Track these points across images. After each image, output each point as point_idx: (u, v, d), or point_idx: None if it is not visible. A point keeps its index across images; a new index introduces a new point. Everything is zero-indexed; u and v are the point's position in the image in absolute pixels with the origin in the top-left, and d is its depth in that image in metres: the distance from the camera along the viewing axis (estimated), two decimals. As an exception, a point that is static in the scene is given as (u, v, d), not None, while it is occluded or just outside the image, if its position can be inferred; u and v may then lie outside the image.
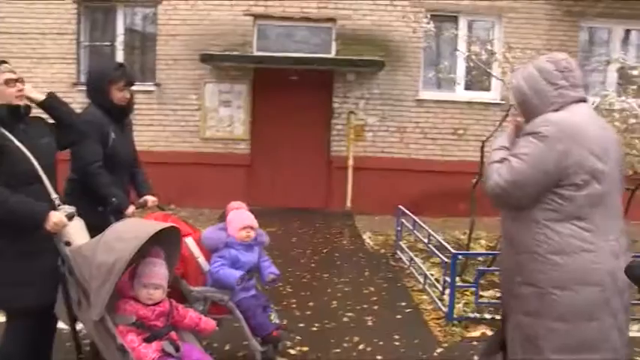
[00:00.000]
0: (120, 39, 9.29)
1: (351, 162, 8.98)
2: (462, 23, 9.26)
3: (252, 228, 3.53)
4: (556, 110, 2.34)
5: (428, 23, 5.84)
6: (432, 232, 5.45)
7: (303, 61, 8.71)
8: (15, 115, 2.79)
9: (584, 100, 2.43)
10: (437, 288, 4.91)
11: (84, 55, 9.32)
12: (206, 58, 8.65)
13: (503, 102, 9.17)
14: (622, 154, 2.53)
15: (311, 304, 4.80)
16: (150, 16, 9.38)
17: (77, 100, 8.79)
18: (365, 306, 4.78)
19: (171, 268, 2.95)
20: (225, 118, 9.20)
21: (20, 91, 2.80)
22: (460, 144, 9.28)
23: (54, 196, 2.80)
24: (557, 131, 2.26)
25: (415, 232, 6.05)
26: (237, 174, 9.14)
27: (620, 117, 4.48)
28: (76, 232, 2.85)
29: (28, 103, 2.88)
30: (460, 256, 4.97)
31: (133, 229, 2.70)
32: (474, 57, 5.94)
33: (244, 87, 9.17)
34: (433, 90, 9.38)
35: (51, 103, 3.03)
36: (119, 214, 3.40)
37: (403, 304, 4.84)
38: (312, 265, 6.10)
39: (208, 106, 9.19)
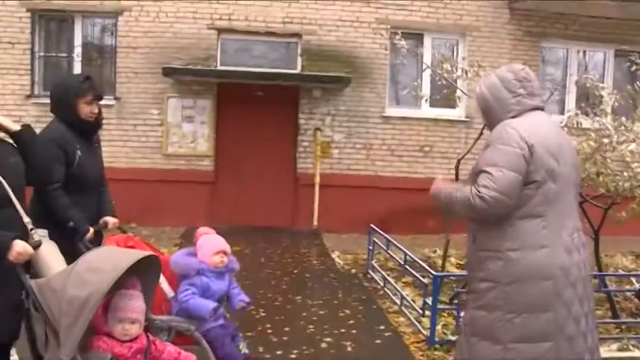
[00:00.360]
0: (77, 50, 8.91)
1: (317, 179, 8.83)
2: (427, 41, 9.33)
3: (225, 253, 3.34)
4: (514, 117, 2.48)
5: (400, 39, 5.79)
6: (408, 252, 5.34)
7: (270, 76, 8.57)
8: None
9: (540, 108, 2.58)
10: (415, 310, 4.79)
11: (39, 67, 8.89)
12: (169, 72, 8.39)
13: (468, 119, 9.29)
14: (578, 160, 2.76)
15: (287, 329, 4.60)
16: (109, 28, 9.04)
17: (31, 114, 8.44)
18: (343, 330, 4.61)
19: (148, 301, 2.72)
20: (188, 133, 8.92)
21: None
22: (426, 161, 9.29)
23: (26, 219, 2.54)
24: (518, 135, 2.39)
25: (389, 251, 5.94)
26: (201, 191, 8.86)
27: (597, 136, 4.49)
28: (48, 257, 2.60)
29: None
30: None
31: (109, 258, 2.46)
32: (445, 75, 5.91)
33: (208, 102, 8.93)
34: (399, 107, 9.39)
35: (26, 137, 2.74)
36: (83, 239, 3.14)
37: (381, 327, 4.68)
38: (284, 286, 5.89)
39: (171, 121, 8.89)
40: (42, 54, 8.96)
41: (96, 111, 3.38)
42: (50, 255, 2.60)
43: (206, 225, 8.62)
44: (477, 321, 2.48)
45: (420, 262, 5.06)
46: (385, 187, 9.05)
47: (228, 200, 8.98)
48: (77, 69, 8.85)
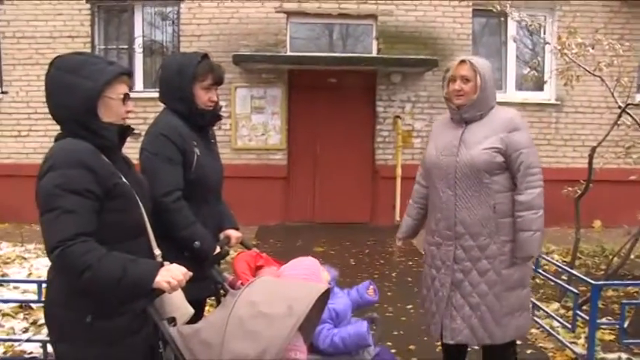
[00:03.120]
0: (138, 41, 8.45)
1: (399, 171, 8.15)
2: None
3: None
4: (493, 106, 2.79)
5: (516, 11, 5.04)
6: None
7: (347, 60, 7.90)
8: (120, 141, 2.00)
9: None
10: (566, 327, 4.07)
11: (99, 60, 8.45)
12: (238, 60, 7.82)
13: (558, 102, 8.48)
14: None
15: (412, 347, 3.99)
16: (171, 16, 8.55)
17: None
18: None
19: (307, 337, 2.14)
20: (258, 125, 8.37)
21: (130, 111, 2.01)
22: (515, 149, 8.50)
23: (157, 252, 2.00)
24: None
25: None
26: (273, 187, 8.31)
27: None
28: (178, 293, 2.02)
29: None
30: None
31: (278, 297, 1.83)
32: (566, 51, 5.14)
33: (279, 91, 8.35)
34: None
35: None
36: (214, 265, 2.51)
37: (528, 351, 4.00)
38: (389, 293, 5.27)
39: (239, 113, 8.35)
40: (102, 46, 8.56)
41: (215, 98, 2.77)
42: (178, 301, 2.04)
43: (280, 221, 7.89)
44: (509, 277, 2.78)
45: (575, 272, 4.30)
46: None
47: (302, 196, 8.43)
48: (138, 61, 8.42)
